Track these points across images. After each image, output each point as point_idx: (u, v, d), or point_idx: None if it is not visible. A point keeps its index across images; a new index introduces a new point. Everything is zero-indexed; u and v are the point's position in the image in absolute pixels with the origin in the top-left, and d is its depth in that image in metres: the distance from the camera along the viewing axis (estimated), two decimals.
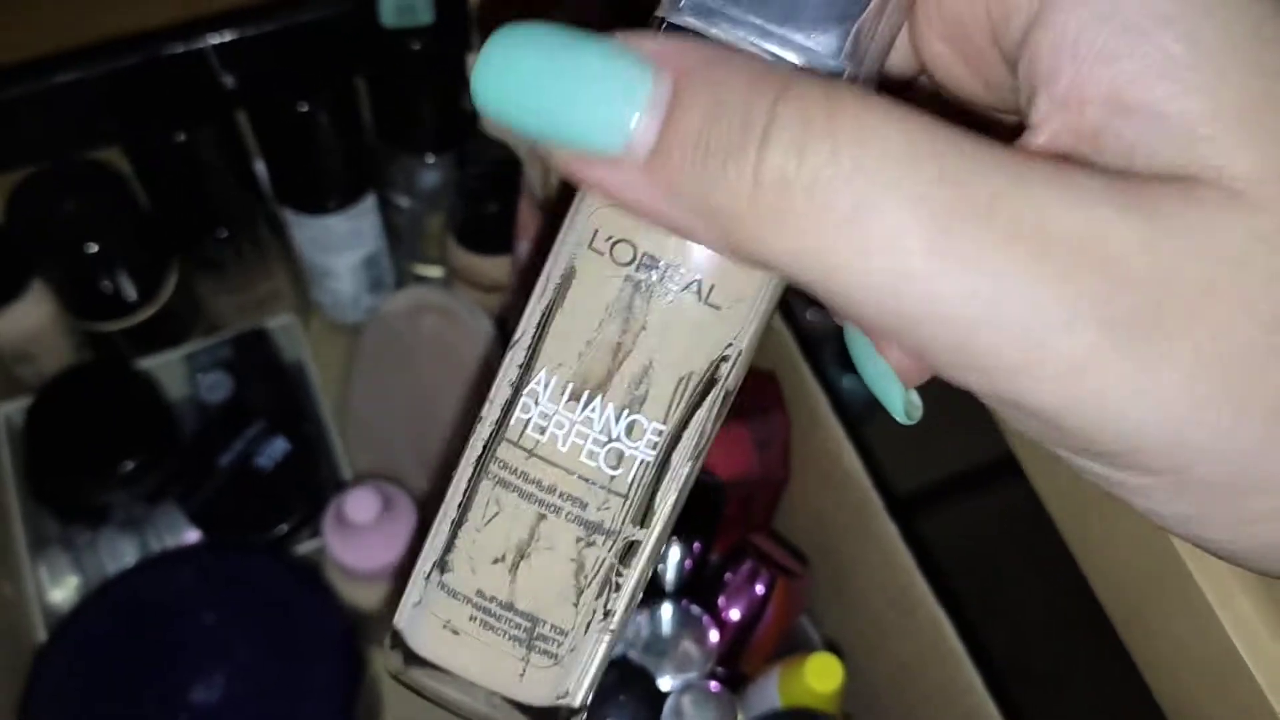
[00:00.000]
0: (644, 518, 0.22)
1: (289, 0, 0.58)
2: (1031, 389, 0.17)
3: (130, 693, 0.55)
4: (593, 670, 0.23)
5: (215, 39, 0.58)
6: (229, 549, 0.60)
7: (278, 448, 0.62)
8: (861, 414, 1.05)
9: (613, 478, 0.22)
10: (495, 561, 0.23)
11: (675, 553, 0.49)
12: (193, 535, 0.62)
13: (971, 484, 0.95)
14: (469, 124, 0.61)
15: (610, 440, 0.22)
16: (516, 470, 0.22)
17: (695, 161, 0.17)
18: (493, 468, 0.23)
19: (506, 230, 0.62)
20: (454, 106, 0.61)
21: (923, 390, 0.24)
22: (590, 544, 0.22)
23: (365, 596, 0.60)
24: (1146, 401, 0.17)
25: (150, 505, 0.64)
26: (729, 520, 0.53)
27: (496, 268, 0.65)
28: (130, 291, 0.63)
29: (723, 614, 0.50)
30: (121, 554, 0.62)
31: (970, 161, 0.17)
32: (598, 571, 0.22)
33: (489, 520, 0.23)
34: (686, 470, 0.22)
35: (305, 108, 0.58)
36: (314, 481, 0.63)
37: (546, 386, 0.22)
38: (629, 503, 0.22)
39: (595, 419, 0.22)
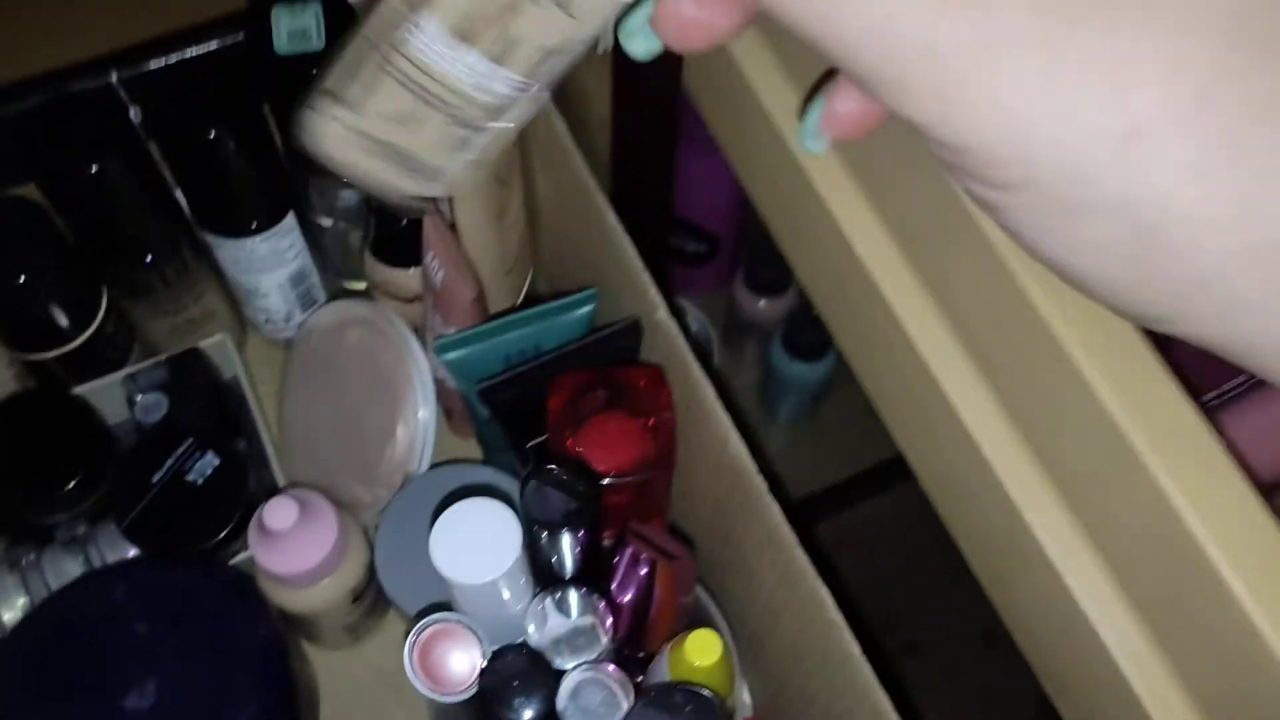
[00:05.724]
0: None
1: (187, 34, 0.61)
2: (917, 103, 0.21)
3: (68, 702, 0.57)
4: None
5: (122, 74, 0.60)
6: (161, 562, 0.63)
7: (208, 463, 0.65)
8: (810, 403, 1.07)
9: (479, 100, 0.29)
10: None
11: (568, 541, 0.51)
12: (134, 551, 0.65)
13: (865, 483, 0.99)
14: None
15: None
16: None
17: None
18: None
19: (417, 244, 0.64)
20: None
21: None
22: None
23: (294, 600, 0.62)
24: (999, 116, 0.20)
25: (92, 524, 0.66)
26: (623, 509, 0.56)
27: (412, 279, 0.68)
28: (63, 320, 0.66)
29: (616, 598, 0.53)
30: (66, 572, 0.65)
31: None
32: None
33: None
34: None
35: (212, 135, 0.60)
36: (245, 493, 0.66)
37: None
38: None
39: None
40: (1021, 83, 0.20)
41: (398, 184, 0.31)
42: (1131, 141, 0.20)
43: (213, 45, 0.61)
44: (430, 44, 0.28)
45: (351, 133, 0.29)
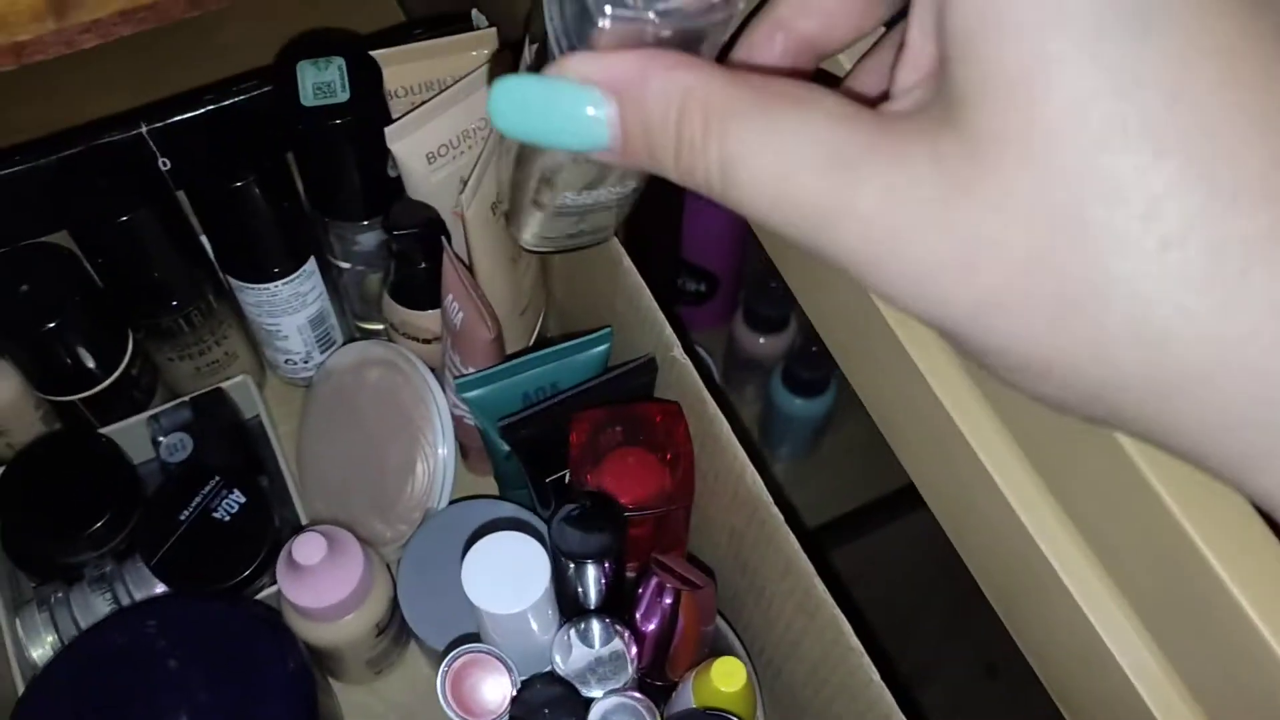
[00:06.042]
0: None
1: (214, 87, 0.63)
2: (850, 263, 0.25)
3: None
4: None
5: (151, 125, 0.62)
6: (190, 598, 0.64)
7: (234, 501, 0.67)
8: (807, 438, 1.09)
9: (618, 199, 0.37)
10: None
11: (594, 572, 0.53)
12: (161, 588, 0.66)
13: (865, 518, 1.01)
14: (393, 189, 0.66)
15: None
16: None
17: (645, 153, 0.27)
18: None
19: (436, 286, 0.66)
20: (378, 174, 0.65)
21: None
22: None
23: (320, 634, 0.64)
24: (903, 289, 0.24)
25: (119, 562, 0.68)
26: (643, 541, 0.57)
27: (431, 320, 0.69)
28: (90, 363, 0.68)
29: (640, 627, 0.55)
30: (94, 610, 0.66)
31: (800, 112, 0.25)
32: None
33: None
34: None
35: (239, 185, 0.62)
36: (270, 530, 0.67)
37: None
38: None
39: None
40: (913, 259, 0.24)
41: (585, 244, 0.41)
42: (984, 312, 0.23)
43: (239, 98, 0.64)
44: (570, 200, 0.36)
45: (540, 237, 0.39)
